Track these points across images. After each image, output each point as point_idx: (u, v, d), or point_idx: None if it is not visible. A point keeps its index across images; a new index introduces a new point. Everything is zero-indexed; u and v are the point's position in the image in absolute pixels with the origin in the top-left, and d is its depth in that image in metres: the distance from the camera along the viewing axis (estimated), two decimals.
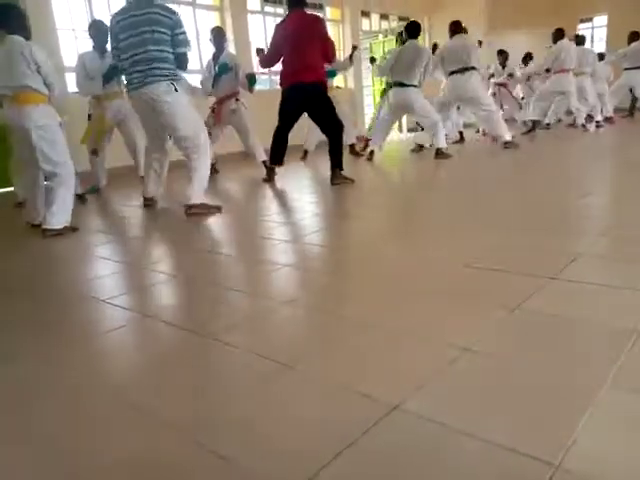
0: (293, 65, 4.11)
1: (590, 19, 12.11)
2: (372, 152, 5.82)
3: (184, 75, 4.88)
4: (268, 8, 8.25)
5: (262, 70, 7.78)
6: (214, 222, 3.18)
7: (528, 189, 3.39)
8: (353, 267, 2.12)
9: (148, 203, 3.78)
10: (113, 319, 1.69)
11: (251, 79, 5.13)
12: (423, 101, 5.50)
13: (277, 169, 4.62)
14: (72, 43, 5.74)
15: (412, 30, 5.41)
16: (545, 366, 1.13)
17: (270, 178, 4.56)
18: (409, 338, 1.33)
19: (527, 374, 1.10)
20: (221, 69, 5.04)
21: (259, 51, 4.76)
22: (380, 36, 10.36)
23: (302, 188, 4.51)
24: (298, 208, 3.60)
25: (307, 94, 4.11)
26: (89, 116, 4.64)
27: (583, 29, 12.31)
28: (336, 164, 4.21)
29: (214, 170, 5.41)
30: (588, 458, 0.84)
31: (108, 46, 4.53)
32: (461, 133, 7.11)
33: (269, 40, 5.86)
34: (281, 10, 8.35)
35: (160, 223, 3.41)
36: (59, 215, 3.01)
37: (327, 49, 4.15)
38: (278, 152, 4.45)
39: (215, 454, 0.93)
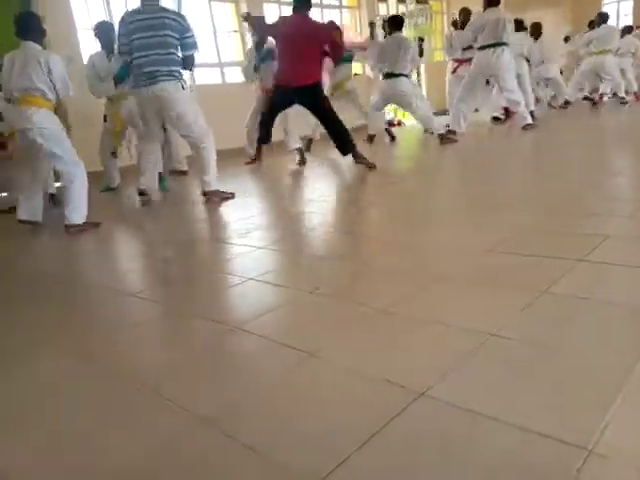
0: (285, 65, 4.18)
1: None
2: (371, 136, 5.97)
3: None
4: None
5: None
6: (233, 211, 3.20)
7: (553, 170, 3.31)
8: (374, 254, 2.11)
9: (144, 197, 3.75)
10: (139, 312, 1.72)
11: None
12: (414, 90, 5.65)
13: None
14: (92, 45, 5.80)
15: (395, 24, 5.57)
16: (574, 350, 1.11)
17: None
18: (433, 324, 1.31)
19: (555, 359, 1.08)
20: (264, 56, 5.04)
21: (247, 17, 4.89)
22: None
23: (319, 176, 4.50)
24: (317, 196, 3.58)
25: (295, 96, 4.21)
26: (104, 117, 4.66)
27: (608, 4, 11.92)
28: (345, 154, 4.29)
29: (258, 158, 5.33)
30: (621, 442, 0.82)
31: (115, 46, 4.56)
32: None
33: None
34: None
35: (179, 215, 3.44)
36: (77, 211, 3.09)
37: (332, 52, 4.18)
38: (265, 132, 4.61)
39: (241, 444, 0.94)
